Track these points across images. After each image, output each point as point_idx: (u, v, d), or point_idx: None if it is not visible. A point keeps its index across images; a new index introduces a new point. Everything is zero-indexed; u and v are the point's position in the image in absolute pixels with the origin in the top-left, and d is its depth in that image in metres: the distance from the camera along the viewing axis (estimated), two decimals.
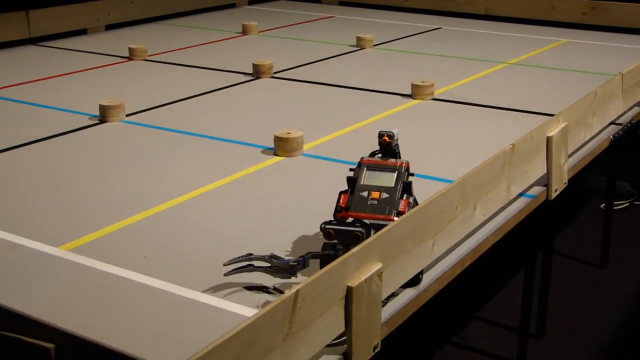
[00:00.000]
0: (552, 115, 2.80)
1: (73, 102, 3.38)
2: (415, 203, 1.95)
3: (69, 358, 1.65)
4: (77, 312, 1.73)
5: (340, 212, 1.91)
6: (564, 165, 2.63)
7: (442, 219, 1.95)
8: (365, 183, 1.94)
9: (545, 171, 2.54)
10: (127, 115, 3.17)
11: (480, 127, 3.08)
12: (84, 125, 3.08)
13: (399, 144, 2.03)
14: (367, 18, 5.49)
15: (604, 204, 3.97)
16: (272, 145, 2.77)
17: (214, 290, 1.82)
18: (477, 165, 2.14)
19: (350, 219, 1.89)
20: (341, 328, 1.61)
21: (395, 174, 1.94)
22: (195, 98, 3.48)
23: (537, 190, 2.51)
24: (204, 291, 1.81)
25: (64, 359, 1.65)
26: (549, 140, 2.52)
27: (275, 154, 2.75)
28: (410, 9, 5.70)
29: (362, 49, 4.48)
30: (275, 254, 1.83)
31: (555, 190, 2.57)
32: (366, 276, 1.63)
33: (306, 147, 2.80)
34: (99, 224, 2.18)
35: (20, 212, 2.30)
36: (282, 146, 2.73)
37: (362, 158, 2.01)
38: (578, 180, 3.03)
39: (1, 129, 3.06)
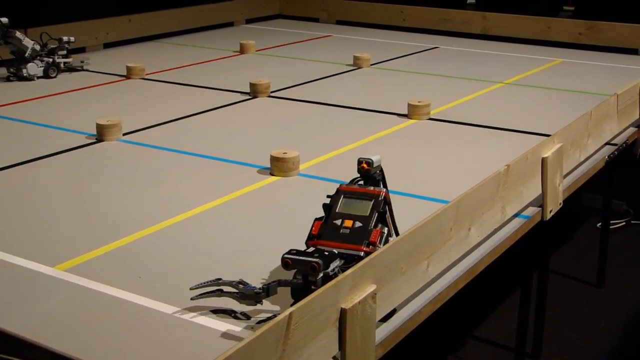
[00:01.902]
0: (547, 135, 2.81)
1: (70, 121, 3.39)
2: (391, 233, 1.93)
3: None
4: (70, 333, 1.73)
5: (312, 239, 1.88)
6: (559, 186, 2.64)
7: (436, 240, 1.96)
8: (340, 211, 1.90)
9: (540, 192, 2.55)
10: (124, 134, 3.18)
11: (475, 147, 3.09)
12: (81, 144, 3.09)
13: (388, 168, 2.00)
14: (365, 37, 5.51)
15: (600, 223, 3.98)
16: (268, 165, 2.78)
17: (196, 310, 1.81)
18: (472, 186, 2.14)
19: (311, 249, 1.84)
20: (335, 350, 1.61)
21: (372, 203, 1.90)
22: (192, 117, 3.49)
23: (532, 211, 2.52)
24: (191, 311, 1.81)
25: None
26: (544, 161, 2.53)
27: (271, 174, 2.75)
28: (408, 29, 5.74)
29: (359, 68, 4.50)
30: (244, 280, 1.79)
31: (550, 211, 2.57)
32: (360, 298, 1.63)
33: (302, 167, 2.80)
34: (94, 244, 2.18)
35: (15, 231, 2.30)
36: (278, 166, 2.74)
37: (340, 185, 1.98)
38: (574, 198, 3.03)
39: None
